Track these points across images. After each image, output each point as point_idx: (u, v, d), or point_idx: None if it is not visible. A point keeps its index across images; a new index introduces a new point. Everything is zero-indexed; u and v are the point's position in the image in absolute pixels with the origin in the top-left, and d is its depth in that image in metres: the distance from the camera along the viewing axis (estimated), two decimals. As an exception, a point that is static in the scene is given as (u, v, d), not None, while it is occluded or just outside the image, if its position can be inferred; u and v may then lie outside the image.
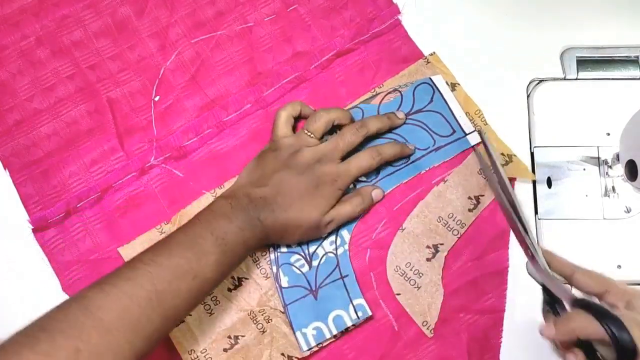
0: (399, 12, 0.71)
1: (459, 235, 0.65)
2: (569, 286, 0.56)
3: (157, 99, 0.69)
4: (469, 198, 0.66)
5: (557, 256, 0.57)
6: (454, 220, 0.65)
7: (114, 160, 0.67)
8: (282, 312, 0.63)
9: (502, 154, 0.67)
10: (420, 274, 0.64)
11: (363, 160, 0.63)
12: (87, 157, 0.67)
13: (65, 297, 0.63)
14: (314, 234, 0.64)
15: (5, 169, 0.67)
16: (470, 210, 0.65)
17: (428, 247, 0.65)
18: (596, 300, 0.53)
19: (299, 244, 0.65)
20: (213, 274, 0.56)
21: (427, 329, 0.63)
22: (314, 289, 0.64)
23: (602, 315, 0.51)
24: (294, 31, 0.71)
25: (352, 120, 0.66)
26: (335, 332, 0.62)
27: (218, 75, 0.69)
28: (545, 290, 0.58)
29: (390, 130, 0.67)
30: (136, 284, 0.52)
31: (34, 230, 0.65)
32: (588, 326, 0.51)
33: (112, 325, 0.49)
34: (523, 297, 0.63)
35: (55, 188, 0.67)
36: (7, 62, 0.70)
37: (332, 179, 0.62)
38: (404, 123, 0.66)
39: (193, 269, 0.54)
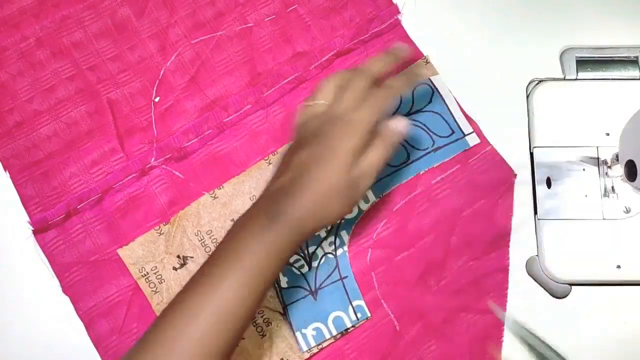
0: (399, 12, 0.71)
1: None
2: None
3: (157, 99, 0.69)
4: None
5: None
6: None
7: (114, 162, 0.67)
8: (282, 314, 0.63)
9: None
10: None
11: (378, 100, 0.57)
12: (87, 158, 0.67)
13: (66, 298, 0.64)
14: (353, 197, 0.55)
15: (5, 170, 0.67)
16: None
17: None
18: None
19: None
20: (242, 297, 0.50)
21: None
22: (313, 289, 0.64)
23: None
24: (293, 31, 0.70)
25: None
26: (334, 332, 0.62)
27: (218, 76, 0.69)
28: None
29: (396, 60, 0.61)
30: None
31: (35, 232, 0.65)
32: None
33: None
34: (524, 296, 0.64)
35: (56, 189, 0.66)
36: (7, 64, 0.69)
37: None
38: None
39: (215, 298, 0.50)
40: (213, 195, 0.66)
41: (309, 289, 0.64)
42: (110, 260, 0.65)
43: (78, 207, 0.66)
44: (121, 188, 0.66)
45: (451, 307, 0.63)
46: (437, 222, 0.65)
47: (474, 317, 0.63)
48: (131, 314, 0.64)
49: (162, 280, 0.64)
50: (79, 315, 0.64)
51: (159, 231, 0.65)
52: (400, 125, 0.58)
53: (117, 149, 0.67)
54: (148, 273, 0.64)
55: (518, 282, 0.64)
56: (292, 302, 0.63)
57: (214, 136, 0.68)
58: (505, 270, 0.64)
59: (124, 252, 0.65)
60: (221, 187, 0.66)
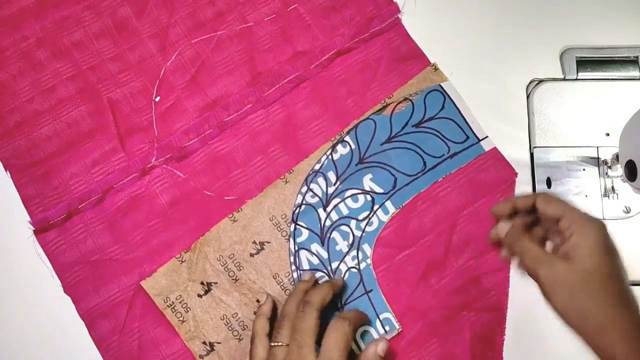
0: (399, 11, 0.71)
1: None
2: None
3: (157, 99, 0.69)
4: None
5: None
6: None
7: (115, 161, 0.67)
8: None
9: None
10: None
11: (334, 335, 0.56)
12: (88, 158, 0.67)
13: (67, 298, 0.64)
14: None
15: (6, 170, 0.67)
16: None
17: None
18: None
19: (320, 260, 0.65)
20: None
21: None
22: (339, 306, 0.63)
23: None
24: (294, 31, 0.70)
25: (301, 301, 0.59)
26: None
27: (218, 76, 0.69)
28: None
29: (335, 295, 0.61)
30: None
31: (36, 232, 0.65)
32: None
33: None
34: (526, 294, 0.64)
35: (57, 189, 0.66)
36: (8, 64, 0.69)
37: None
38: (417, 130, 0.65)
39: None
40: (232, 218, 0.66)
41: (334, 306, 0.63)
42: (111, 260, 0.65)
43: (79, 207, 0.66)
44: (122, 188, 0.66)
45: (452, 306, 0.63)
46: (438, 221, 0.65)
47: (475, 315, 0.63)
48: (132, 313, 0.64)
49: (188, 309, 0.64)
50: (80, 315, 0.64)
51: (180, 259, 0.65)
52: (383, 348, 0.58)
53: (117, 149, 0.67)
54: (173, 303, 0.64)
55: (518, 282, 0.64)
56: None
57: (214, 135, 0.67)
58: (506, 269, 0.64)
59: (147, 284, 0.64)
60: (240, 209, 0.66)
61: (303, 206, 0.66)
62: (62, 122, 0.68)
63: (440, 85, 0.69)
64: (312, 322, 0.56)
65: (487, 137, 0.67)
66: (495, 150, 0.67)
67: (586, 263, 0.52)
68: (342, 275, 0.64)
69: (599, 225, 0.54)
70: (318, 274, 0.64)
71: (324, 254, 0.65)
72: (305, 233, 0.66)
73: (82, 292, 0.64)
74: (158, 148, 0.67)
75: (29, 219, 0.66)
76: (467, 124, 0.68)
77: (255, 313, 0.63)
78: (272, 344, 0.57)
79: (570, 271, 0.52)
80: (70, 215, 0.65)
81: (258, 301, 0.64)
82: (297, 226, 0.66)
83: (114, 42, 0.70)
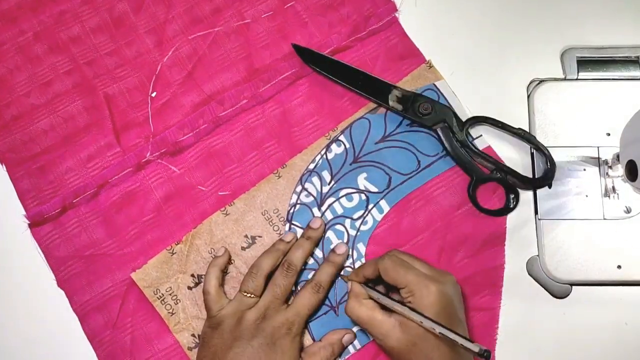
0: (396, 10, 0.70)
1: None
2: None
3: (154, 95, 0.69)
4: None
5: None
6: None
7: (110, 156, 0.67)
8: (305, 329, 0.62)
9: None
10: None
11: (307, 298, 0.61)
12: (83, 153, 0.67)
13: (61, 292, 0.64)
14: None
15: (2, 164, 0.68)
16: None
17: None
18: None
19: (315, 260, 0.64)
20: None
21: None
22: (334, 305, 0.63)
23: None
24: (291, 28, 0.70)
25: (283, 255, 0.63)
26: (358, 347, 0.62)
27: (215, 72, 0.69)
28: None
29: (316, 245, 0.65)
30: None
31: (31, 226, 0.66)
32: None
33: None
34: (524, 296, 0.63)
35: (52, 183, 0.67)
36: (5, 58, 0.70)
37: (286, 330, 0.59)
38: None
39: None
40: (224, 212, 0.66)
41: (329, 304, 0.63)
42: (105, 255, 0.65)
43: (74, 201, 0.66)
44: (117, 182, 0.66)
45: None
46: (432, 220, 0.65)
47: (468, 313, 0.62)
48: (125, 308, 0.64)
49: (178, 301, 0.64)
50: (74, 309, 0.64)
51: (171, 251, 0.65)
52: (349, 339, 0.62)
53: (113, 144, 0.67)
54: (163, 295, 0.64)
55: (518, 282, 0.64)
56: (315, 319, 0.63)
57: (209, 130, 0.67)
58: (500, 267, 0.63)
59: (137, 276, 0.64)
60: (232, 203, 0.66)
61: (298, 206, 0.66)
62: (59, 116, 0.69)
63: (434, 84, 0.68)
64: (292, 281, 0.62)
65: (480, 135, 0.67)
66: (489, 149, 0.66)
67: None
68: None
69: (436, 287, 0.55)
70: (312, 273, 0.63)
71: (319, 253, 0.65)
72: (300, 233, 0.65)
73: (75, 286, 0.64)
74: (153, 143, 0.67)
75: (24, 212, 0.66)
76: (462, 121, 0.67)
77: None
78: (244, 293, 0.61)
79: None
80: (65, 210, 0.66)
81: None
82: (292, 226, 0.66)
83: (111, 37, 0.71)
